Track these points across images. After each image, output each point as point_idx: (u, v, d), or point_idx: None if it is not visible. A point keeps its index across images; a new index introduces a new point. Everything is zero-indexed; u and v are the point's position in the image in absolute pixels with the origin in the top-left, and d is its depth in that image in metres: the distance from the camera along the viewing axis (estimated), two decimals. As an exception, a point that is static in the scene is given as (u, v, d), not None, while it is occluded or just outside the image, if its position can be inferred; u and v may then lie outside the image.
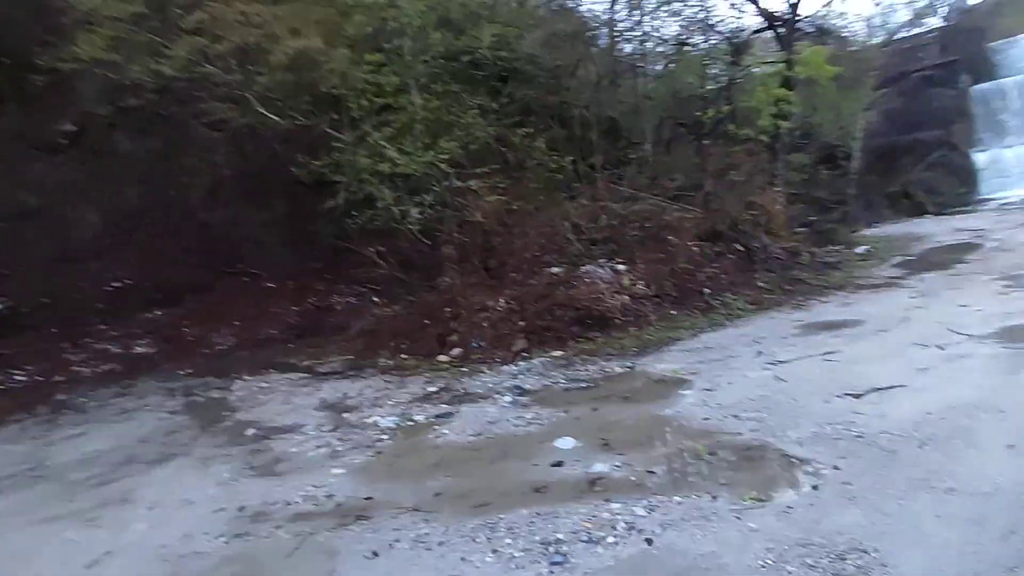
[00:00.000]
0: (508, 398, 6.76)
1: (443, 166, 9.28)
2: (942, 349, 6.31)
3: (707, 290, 9.85)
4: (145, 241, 13.51)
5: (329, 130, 10.38)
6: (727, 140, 14.09)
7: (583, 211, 10.67)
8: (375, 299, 12.95)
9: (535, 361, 8.21)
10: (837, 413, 5.05)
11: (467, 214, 9.76)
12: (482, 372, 8.08)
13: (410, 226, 9.43)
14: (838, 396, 5.42)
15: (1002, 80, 24.66)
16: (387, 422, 6.43)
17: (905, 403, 5.08)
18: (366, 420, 6.63)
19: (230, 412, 7.75)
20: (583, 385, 6.98)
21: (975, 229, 15.32)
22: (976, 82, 24.74)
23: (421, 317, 10.40)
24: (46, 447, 7.13)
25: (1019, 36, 26.02)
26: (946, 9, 25.91)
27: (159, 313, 12.68)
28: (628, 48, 17.67)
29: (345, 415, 6.95)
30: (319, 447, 5.99)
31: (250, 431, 6.79)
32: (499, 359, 8.55)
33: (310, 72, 10.72)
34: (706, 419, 5.43)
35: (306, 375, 9.30)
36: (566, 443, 5.26)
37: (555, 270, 9.85)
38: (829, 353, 6.77)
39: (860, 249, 13.85)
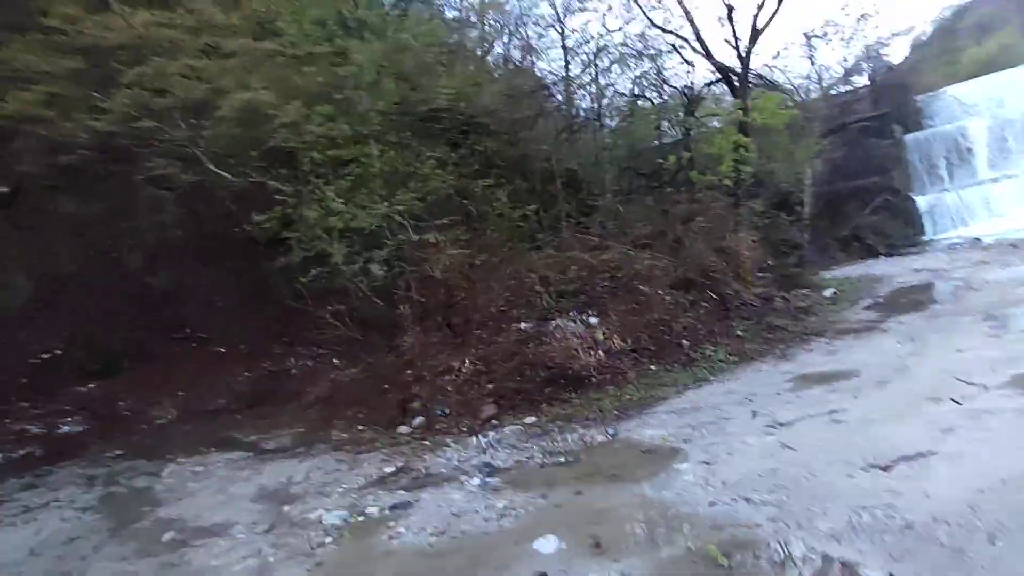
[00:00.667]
0: (476, 480, 5.59)
1: (399, 219, 8.32)
2: (959, 404, 5.46)
3: (686, 342, 8.95)
4: (80, 307, 12.02)
5: (279, 185, 9.36)
6: (689, 187, 13.59)
7: (550, 262, 9.78)
8: (335, 361, 11.71)
9: (506, 430, 7.08)
10: (869, 492, 4.07)
11: (427, 269, 8.75)
12: (447, 445, 6.89)
13: (361, 284, 8.35)
14: (862, 468, 4.46)
15: (932, 130, 25.46)
16: (333, 518, 5.18)
17: (945, 476, 4.14)
18: (309, 515, 5.35)
19: (151, 508, 6.35)
20: (562, 460, 5.87)
21: (933, 269, 15.02)
22: (908, 132, 25.45)
23: (380, 381, 9.23)
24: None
25: (940, 90, 27.18)
26: (872, 68, 26.93)
27: (92, 386, 11.10)
28: (585, 103, 17.43)
29: (285, 508, 5.66)
30: (246, 557, 4.69)
31: (168, 535, 5.42)
32: (465, 428, 7.40)
33: (260, 126, 9.79)
34: (712, 504, 4.38)
35: (249, 454, 7.94)
36: (548, 544, 4.13)
37: (523, 326, 8.85)
38: (834, 412, 5.84)
39: (827, 292, 13.28)
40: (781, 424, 5.80)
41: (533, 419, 7.31)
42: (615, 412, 7.12)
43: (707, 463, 5.15)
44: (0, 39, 10.60)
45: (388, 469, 6.39)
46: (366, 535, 4.83)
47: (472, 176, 10.88)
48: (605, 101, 17.41)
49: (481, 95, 13.21)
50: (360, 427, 8.20)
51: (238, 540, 5.06)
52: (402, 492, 5.61)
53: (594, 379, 8.01)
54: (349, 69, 8.55)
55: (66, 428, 10.23)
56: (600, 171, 15.36)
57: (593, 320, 9.09)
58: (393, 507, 5.27)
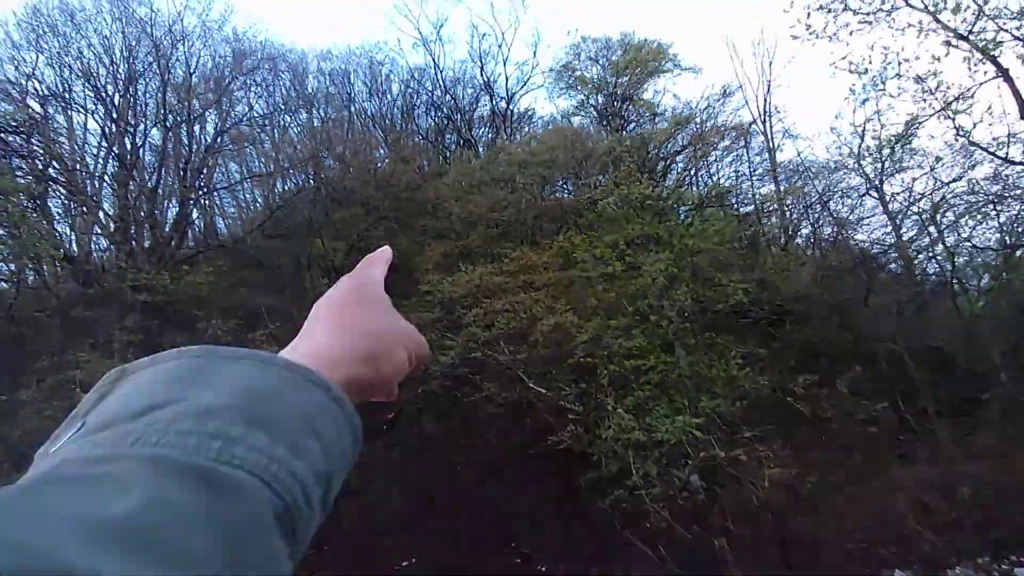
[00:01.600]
0: None
1: (698, 432, 7.14)
2: None
3: None
4: (434, 519, 13.35)
5: (568, 403, 9.34)
6: None
7: (925, 478, 6.98)
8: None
9: None
10: None
11: (748, 489, 7.08)
12: None
13: (662, 509, 7.11)
14: None
15: None
16: None
17: None
18: None
19: None
20: None
21: None
22: None
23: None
24: None
25: None
26: None
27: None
28: (931, 268, 14.13)
29: None
30: None
31: None
32: None
33: (565, 345, 10.30)
34: None
35: None
36: None
37: (900, 574, 6.14)
38: None
39: None
40: None
41: None
42: None
43: None
44: (393, 305, 14.07)
45: None
46: None
47: (791, 371, 9.14)
48: (961, 260, 13.82)
49: (788, 281, 11.79)
50: None
51: None
52: None
53: None
54: (639, 282, 8.51)
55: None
56: (977, 346, 11.52)
57: (1025, 573, 5.80)
58: None
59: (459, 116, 25.82)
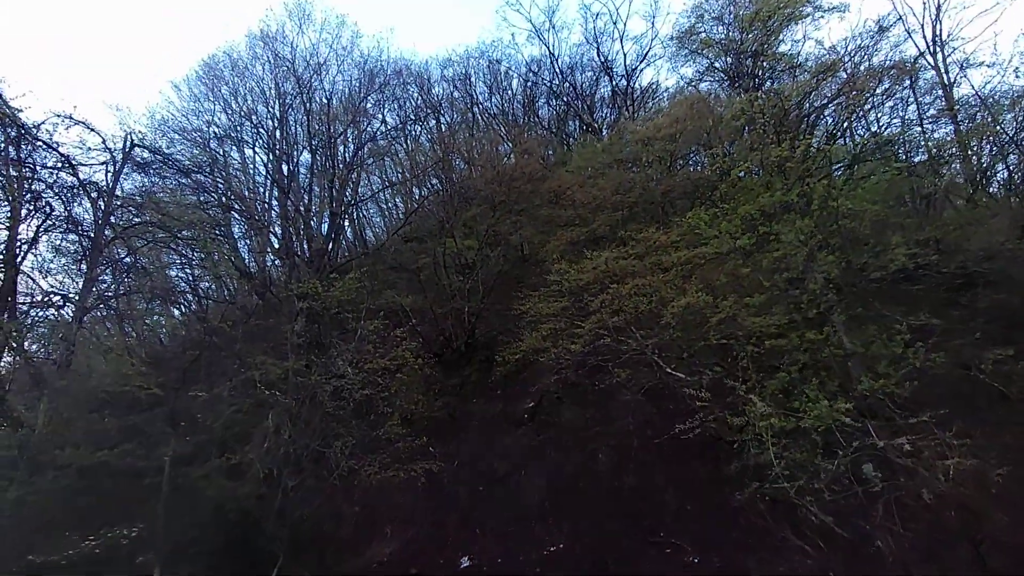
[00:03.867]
0: None
1: (846, 418, 6.38)
2: None
3: None
4: (576, 505, 13.50)
5: (692, 388, 8.86)
6: None
7: None
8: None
9: None
10: None
11: (920, 481, 6.20)
12: None
13: (811, 504, 6.47)
14: None
15: None
16: None
17: None
18: None
19: None
20: None
21: None
22: None
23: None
24: None
25: None
26: None
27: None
28: None
29: None
30: None
31: None
32: None
33: (698, 327, 9.83)
34: None
35: None
36: None
37: None
38: None
39: None
40: None
41: None
42: None
43: None
44: (524, 296, 14.40)
45: None
46: None
47: (978, 344, 7.81)
48: None
49: (975, 238, 10.11)
50: None
51: None
52: None
53: None
54: (776, 255, 7.83)
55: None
56: None
57: None
58: None
59: (579, 102, 25.61)
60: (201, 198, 13.33)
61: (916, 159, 14.13)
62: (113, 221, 10.70)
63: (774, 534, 9.18)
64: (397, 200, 25.21)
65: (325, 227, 15.66)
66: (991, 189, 14.53)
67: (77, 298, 9.87)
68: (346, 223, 20.18)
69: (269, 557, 9.35)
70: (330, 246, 15.74)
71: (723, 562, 11.64)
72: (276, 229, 15.45)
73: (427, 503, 14.02)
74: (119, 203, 10.85)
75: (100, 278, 11.18)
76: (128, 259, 10.81)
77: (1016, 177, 14.05)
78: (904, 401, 7.11)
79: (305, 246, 14.57)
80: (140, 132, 14.95)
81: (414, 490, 13.36)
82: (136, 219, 10.87)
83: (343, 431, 10.34)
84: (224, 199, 14.67)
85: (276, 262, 14.12)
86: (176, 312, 17.42)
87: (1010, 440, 6.46)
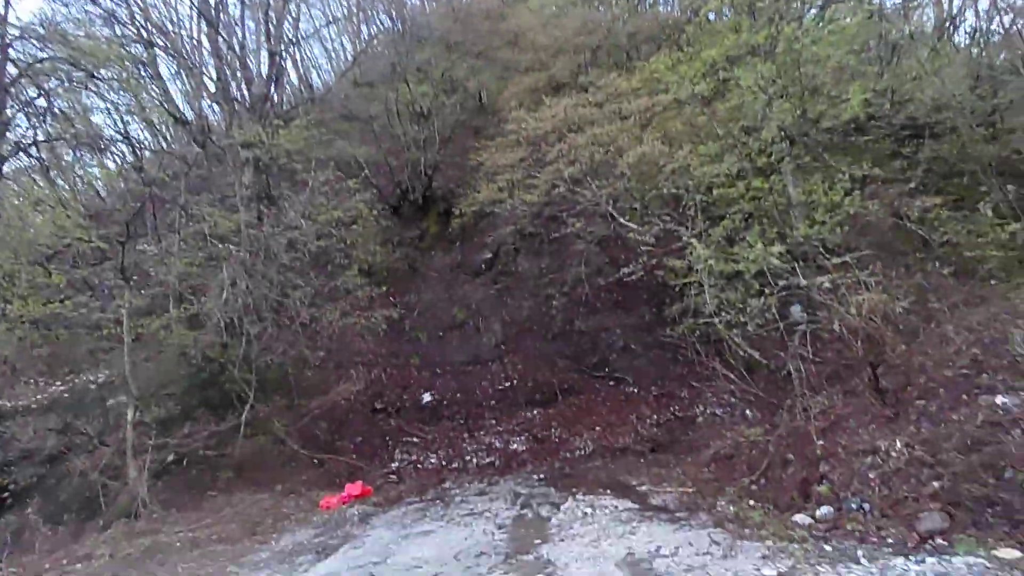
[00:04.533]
0: (889, 634, 3.70)
1: (777, 260, 6.74)
2: None
3: None
4: (531, 347, 14.43)
5: (666, 233, 9.09)
6: None
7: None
8: (747, 414, 10.46)
9: (958, 560, 4.60)
10: None
11: (841, 316, 6.77)
12: (856, 560, 4.95)
13: (736, 336, 7.06)
14: None
15: None
16: (681, 621, 4.25)
17: None
18: (660, 605, 4.57)
19: (540, 542, 6.68)
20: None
21: None
22: None
23: (785, 449, 7.58)
24: (399, 542, 7.36)
25: None
26: None
27: (535, 412, 12.98)
28: None
29: (639, 587, 5.02)
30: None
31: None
32: (890, 539, 5.20)
33: (652, 177, 9.81)
34: None
35: (634, 506, 7.62)
36: None
37: (1001, 400, 5.81)
38: None
39: None
40: None
41: (1015, 554, 4.55)
42: None
43: None
44: (481, 147, 13.91)
45: (767, 572, 4.98)
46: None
47: (909, 194, 8.11)
48: None
49: (931, 88, 10.00)
50: (751, 502, 6.85)
51: (588, 609, 4.70)
52: (775, 614, 4.20)
53: None
54: (728, 103, 7.62)
55: (515, 445, 12.23)
56: None
57: None
58: (754, 635, 3.97)
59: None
60: (117, 31, 11.74)
61: (891, 2, 13.43)
62: (14, 56, 9.41)
63: (706, 366, 10.10)
64: (344, 40, 22.96)
65: (265, 68, 14.25)
66: (956, 39, 14.13)
67: (-10, 146, 8.99)
68: (288, 65, 18.40)
69: (239, 397, 9.85)
70: (272, 90, 14.45)
71: (660, 391, 12.99)
72: (211, 71, 13.99)
73: (390, 348, 14.72)
74: (18, 33, 9.47)
75: (14, 124, 10.13)
76: (41, 101, 9.72)
77: (983, 26, 13.64)
78: (835, 247, 7.50)
79: (244, 90, 13.34)
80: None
81: (376, 336, 13.92)
82: (42, 54, 9.57)
83: (301, 282, 10.38)
84: (144, 33, 12.97)
85: (214, 108, 13.00)
86: (111, 165, 16.25)
87: (921, 280, 7.00)
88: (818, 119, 8.81)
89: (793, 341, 6.97)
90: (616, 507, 7.60)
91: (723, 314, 7.12)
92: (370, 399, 13.29)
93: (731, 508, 6.79)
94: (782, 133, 8.10)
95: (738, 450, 8.57)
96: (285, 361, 10.85)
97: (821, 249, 7.76)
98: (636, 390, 13.19)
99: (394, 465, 11.48)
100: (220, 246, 10.17)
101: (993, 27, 13.31)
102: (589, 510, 7.62)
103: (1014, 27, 13.07)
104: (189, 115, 13.18)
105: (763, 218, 7.92)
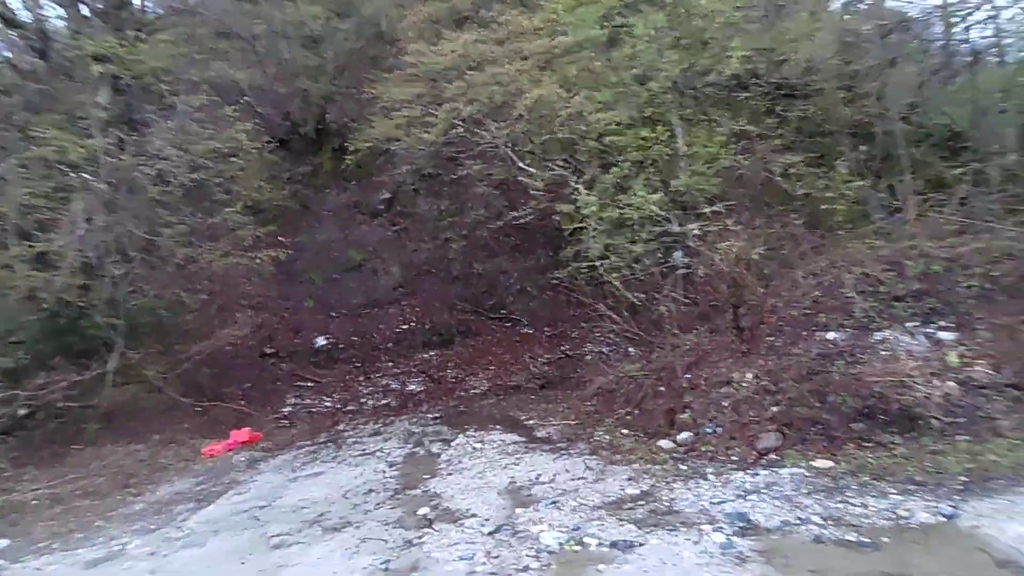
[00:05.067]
0: (721, 536, 4.31)
1: (654, 208, 7.18)
2: None
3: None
4: (429, 289, 14.43)
5: (564, 174, 9.26)
6: None
7: (882, 254, 7.18)
8: (631, 351, 11.24)
9: (785, 472, 5.40)
10: None
11: (710, 260, 7.37)
12: (705, 476, 5.64)
13: (615, 278, 7.54)
14: None
15: None
16: (550, 539, 4.67)
17: None
18: (532, 528, 4.97)
19: (430, 476, 6.94)
20: (852, 538, 4.07)
21: None
22: None
23: (656, 383, 8.30)
24: (287, 485, 7.32)
25: None
26: None
27: (432, 354, 13.14)
28: (971, 34, 12.55)
29: (518, 511, 5.41)
30: (462, 558, 4.57)
31: (424, 510, 5.79)
32: (735, 457, 5.97)
33: (549, 121, 9.83)
34: None
35: (521, 439, 8.09)
36: None
37: (832, 336, 6.71)
38: None
39: None
40: None
41: (828, 463, 5.40)
42: (962, 478, 4.69)
43: None
44: (378, 79, 13.16)
45: (631, 491, 5.55)
46: (571, 571, 4.15)
47: (777, 150, 8.80)
48: (1008, 26, 12.19)
49: (803, 49, 10.64)
50: (624, 431, 7.50)
51: (466, 535, 5.01)
52: (631, 527, 4.72)
53: (936, 421, 5.49)
54: (623, 51, 7.74)
55: (411, 387, 12.36)
56: (987, 125, 10.80)
57: (947, 336, 6.31)
58: (613, 544, 4.46)
59: None
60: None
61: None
62: None
63: (594, 308, 10.65)
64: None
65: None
66: (834, 6, 15.09)
67: None
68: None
69: (105, 344, 9.05)
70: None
71: (553, 331, 13.60)
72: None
73: (281, 291, 14.08)
74: None
75: None
76: None
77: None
78: (712, 197, 8.04)
79: (94, -8, 11.48)
80: None
81: (266, 279, 13.23)
82: None
83: (174, 219, 9.49)
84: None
85: (57, 9, 11.07)
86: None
87: (779, 229, 7.75)
88: (705, 73, 9.19)
89: (668, 284, 7.53)
90: (504, 441, 8.02)
91: (610, 259, 7.51)
92: (259, 343, 12.75)
93: (607, 437, 7.41)
94: (671, 84, 8.39)
95: (619, 385, 9.24)
96: (159, 305, 10.02)
97: (701, 199, 8.30)
98: (531, 331, 13.70)
99: (286, 410, 11.21)
100: (72, 175, 8.99)
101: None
102: (479, 445, 7.99)
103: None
104: (25, 17, 11.18)
105: (650, 167, 8.28)
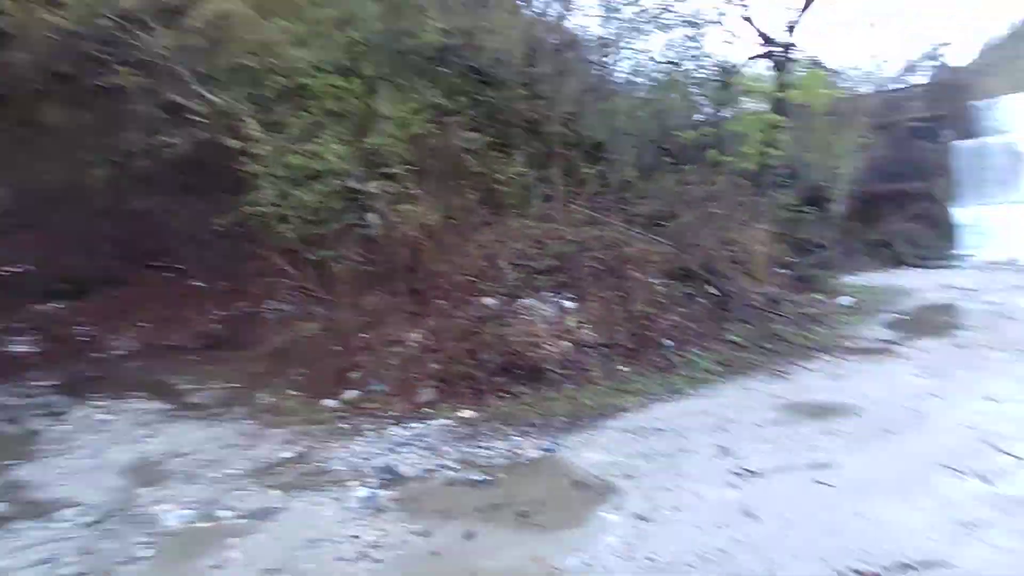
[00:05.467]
0: (365, 490, 4.32)
1: (335, 161, 6.88)
2: (989, 483, 3.92)
3: (668, 342, 7.44)
4: (60, 225, 11.05)
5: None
6: (711, 168, 11.72)
7: (529, 233, 8.27)
8: (316, 310, 10.54)
9: (434, 423, 5.77)
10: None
11: (389, 222, 7.35)
12: (366, 430, 5.64)
13: (289, 233, 7.05)
14: (841, 574, 3.02)
15: (984, 139, 22.50)
16: (173, 519, 3.99)
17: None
18: (154, 508, 4.18)
19: (19, 460, 5.28)
20: (476, 477, 4.54)
21: (962, 288, 12.99)
22: (959, 138, 22.57)
23: (332, 342, 8.00)
24: None
25: (1000, 97, 23.98)
26: (932, 66, 24.15)
27: (54, 306, 10.20)
28: (617, 67, 15.43)
29: (140, 491, 4.49)
30: (43, 561, 3.54)
31: (2, 506, 4.34)
32: (396, 412, 6.13)
33: (231, 44, 8.35)
34: (628, 596, 3.01)
35: (167, 406, 6.85)
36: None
37: (489, 302, 7.44)
38: (822, 467, 4.35)
39: (844, 300, 11.49)
40: (751, 472, 4.33)
41: (472, 413, 5.97)
42: (564, 419, 5.73)
43: (643, 519, 3.75)
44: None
45: (284, 455, 5.17)
46: (193, 551, 3.60)
47: (468, 128, 9.30)
48: (640, 65, 15.39)
49: (494, 41, 11.36)
50: (290, 391, 7.02)
51: (56, 530, 3.91)
52: (277, 493, 4.37)
53: (554, 374, 6.61)
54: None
55: (18, 347, 9.38)
56: (621, 144, 13.50)
57: (569, 304, 7.63)
58: (252, 514, 4.05)
59: None
60: None
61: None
62: None
63: (267, 259, 9.64)
64: None
65: None
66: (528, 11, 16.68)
67: None
68: None
69: None
70: None
71: (230, 286, 11.89)
72: None
73: None
74: None
75: None
76: None
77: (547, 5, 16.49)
78: (402, 160, 7.99)
79: None
80: None
81: None
82: None
83: None
84: None
85: None
86: None
87: (458, 201, 8.22)
88: (406, 35, 9.04)
89: (348, 243, 7.27)
90: (144, 410, 6.68)
91: (289, 210, 6.82)
92: None
93: (270, 399, 6.81)
94: (370, 36, 7.99)
95: (295, 344, 8.63)
96: None
97: (391, 160, 8.19)
98: (202, 284, 11.76)
99: None
100: None
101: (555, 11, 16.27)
102: (106, 416, 6.48)
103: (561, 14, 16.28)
104: None
105: (347, 120, 7.78)
